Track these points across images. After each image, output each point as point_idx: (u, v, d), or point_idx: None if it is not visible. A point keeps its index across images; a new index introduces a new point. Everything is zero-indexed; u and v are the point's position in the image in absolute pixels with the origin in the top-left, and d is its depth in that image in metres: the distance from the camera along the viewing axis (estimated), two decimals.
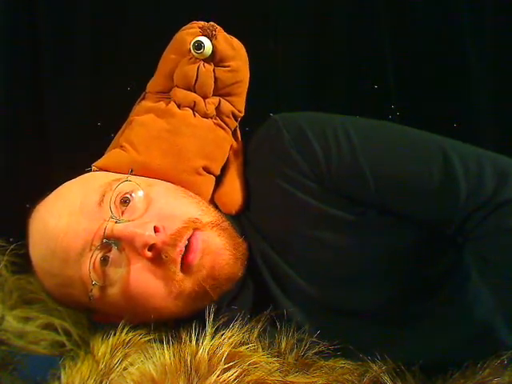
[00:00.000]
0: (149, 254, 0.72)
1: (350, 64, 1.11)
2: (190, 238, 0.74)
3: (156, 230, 0.72)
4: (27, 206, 0.82)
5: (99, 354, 0.69)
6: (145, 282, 0.73)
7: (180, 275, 0.73)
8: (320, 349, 0.71)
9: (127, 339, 0.72)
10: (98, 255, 0.73)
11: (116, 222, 0.73)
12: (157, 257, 0.72)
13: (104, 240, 0.72)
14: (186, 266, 0.73)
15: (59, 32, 1.11)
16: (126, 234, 0.72)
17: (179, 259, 0.73)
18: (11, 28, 1.10)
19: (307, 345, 0.71)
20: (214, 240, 0.76)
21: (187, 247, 0.73)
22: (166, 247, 0.72)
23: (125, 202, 0.75)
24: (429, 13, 1.10)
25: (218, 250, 0.75)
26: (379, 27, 1.10)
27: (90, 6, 1.12)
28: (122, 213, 0.74)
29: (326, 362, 0.70)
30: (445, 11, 1.10)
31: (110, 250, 0.73)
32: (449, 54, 1.10)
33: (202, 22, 0.83)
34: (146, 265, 0.73)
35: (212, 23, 0.83)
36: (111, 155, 0.84)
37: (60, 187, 0.80)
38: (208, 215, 0.78)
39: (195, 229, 0.75)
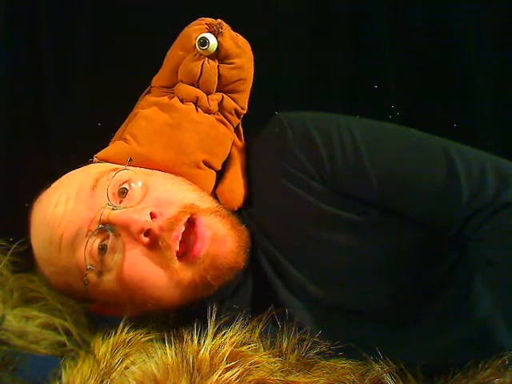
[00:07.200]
0: (145, 239, 0.71)
1: (350, 64, 1.12)
2: (194, 223, 0.73)
3: (153, 215, 0.72)
4: (27, 205, 0.82)
5: (100, 353, 0.69)
6: (141, 268, 0.73)
7: (177, 263, 0.73)
8: (321, 349, 0.71)
9: (128, 338, 0.71)
10: (96, 241, 0.73)
11: (113, 209, 0.73)
12: (154, 243, 0.72)
13: (100, 225, 0.72)
14: (191, 257, 0.73)
15: (60, 32, 1.12)
16: (122, 219, 0.72)
17: (175, 245, 0.72)
18: (12, 27, 1.11)
19: (309, 345, 0.71)
20: (218, 226, 0.75)
21: (193, 236, 0.73)
22: (162, 233, 0.72)
23: (122, 192, 0.75)
24: (429, 13, 1.11)
25: (223, 237, 0.75)
26: (379, 27, 1.11)
27: (90, 7, 1.12)
28: (120, 202, 0.74)
29: (328, 362, 0.70)
30: (445, 11, 1.10)
31: (107, 237, 0.73)
32: (449, 55, 1.10)
33: (210, 19, 0.84)
34: (143, 251, 0.72)
35: (219, 20, 0.84)
36: (113, 147, 0.85)
37: (61, 178, 0.80)
38: (206, 202, 0.78)
39: (192, 214, 0.74)
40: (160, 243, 0.72)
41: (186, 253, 0.73)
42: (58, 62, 1.12)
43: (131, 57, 1.12)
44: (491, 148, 0.82)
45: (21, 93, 1.13)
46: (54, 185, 0.79)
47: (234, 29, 0.85)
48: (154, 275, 0.73)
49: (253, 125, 0.89)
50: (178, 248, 0.72)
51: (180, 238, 0.73)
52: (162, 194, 0.76)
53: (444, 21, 1.10)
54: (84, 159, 0.85)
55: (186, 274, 0.73)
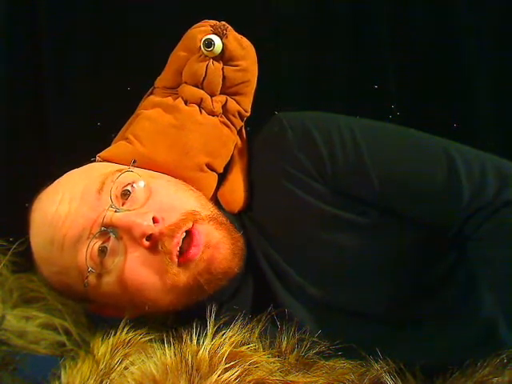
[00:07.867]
0: (146, 243, 0.72)
1: (350, 64, 1.12)
2: (190, 230, 0.74)
3: (155, 220, 0.72)
4: (27, 205, 0.82)
5: (99, 353, 0.69)
6: (140, 271, 0.73)
7: (175, 268, 0.73)
8: (321, 349, 0.71)
9: (127, 339, 0.71)
10: (97, 243, 0.73)
11: (115, 212, 0.73)
12: (154, 246, 0.72)
13: (102, 228, 0.72)
14: (186, 260, 0.73)
15: (59, 32, 1.12)
16: (125, 222, 0.72)
17: (175, 251, 0.72)
18: (12, 27, 1.11)
19: (308, 345, 0.71)
20: (214, 234, 0.75)
21: (189, 241, 0.73)
22: (163, 238, 0.72)
23: (125, 194, 0.75)
24: (429, 13, 1.11)
25: (217, 243, 0.75)
26: (379, 27, 1.11)
27: (90, 7, 1.12)
28: (123, 204, 0.74)
29: (327, 362, 0.70)
30: (445, 11, 1.10)
31: (108, 239, 0.73)
32: (449, 55, 1.10)
33: (214, 21, 0.84)
34: (143, 254, 0.73)
35: (223, 22, 0.84)
36: (116, 147, 0.85)
37: (62, 176, 0.80)
38: (206, 209, 0.78)
39: (194, 221, 0.74)
40: (160, 247, 0.72)
41: (181, 256, 0.73)
42: (57, 61, 1.12)
43: (131, 57, 1.12)
44: (491, 148, 0.83)
45: (21, 93, 1.13)
46: (55, 184, 0.79)
47: (234, 29, 0.84)
48: (152, 278, 0.73)
49: (252, 125, 0.89)
50: (177, 253, 0.73)
51: (180, 244, 0.73)
52: (165, 199, 0.76)
53: (444, 21, 1.10)
54: (84, 159, 0.85)
55: (181, 277, 0.73)
